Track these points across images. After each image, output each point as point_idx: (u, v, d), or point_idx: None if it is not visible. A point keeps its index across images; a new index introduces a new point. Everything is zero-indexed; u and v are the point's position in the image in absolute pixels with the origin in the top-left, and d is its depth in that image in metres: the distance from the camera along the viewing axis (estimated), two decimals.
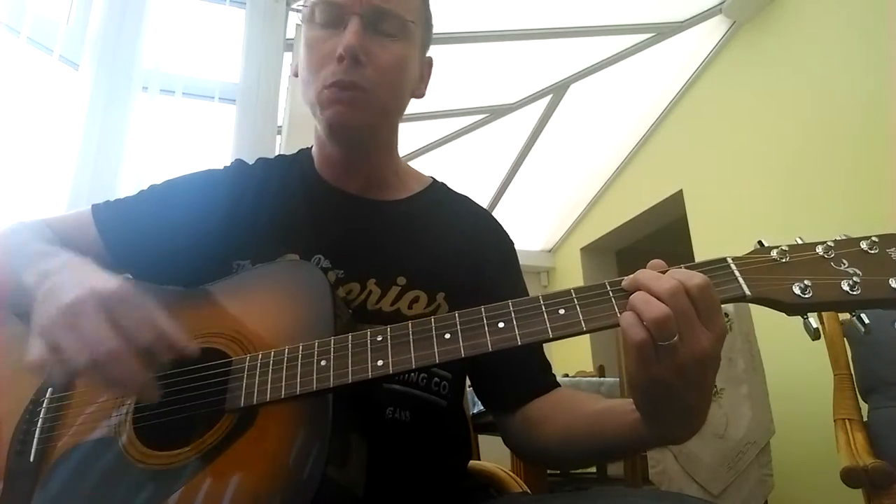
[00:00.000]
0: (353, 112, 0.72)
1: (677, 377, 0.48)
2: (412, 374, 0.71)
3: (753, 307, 2.22)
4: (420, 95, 0.84)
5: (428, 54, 0.85)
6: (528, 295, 0.61)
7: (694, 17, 3.00)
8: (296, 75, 0.81)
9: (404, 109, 0.82)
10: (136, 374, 0.53)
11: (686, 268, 0.52)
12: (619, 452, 0.69)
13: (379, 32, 0.73)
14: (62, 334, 0.53)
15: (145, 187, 0.82)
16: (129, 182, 1.95)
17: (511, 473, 0.89)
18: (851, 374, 1.79)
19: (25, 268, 0.63)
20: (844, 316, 1.85)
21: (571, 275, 4.53)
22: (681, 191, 3.41)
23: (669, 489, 1.76)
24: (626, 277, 0.52)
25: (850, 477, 1.46)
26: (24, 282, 0.62)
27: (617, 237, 4.19)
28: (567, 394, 0.76)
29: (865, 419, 1.72)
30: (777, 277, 0.51)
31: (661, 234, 3.86)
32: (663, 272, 0.51)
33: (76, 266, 0.61)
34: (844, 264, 0.50)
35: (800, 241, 0.53)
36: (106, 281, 0.56)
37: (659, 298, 0.48)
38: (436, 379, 0.74)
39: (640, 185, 3.81)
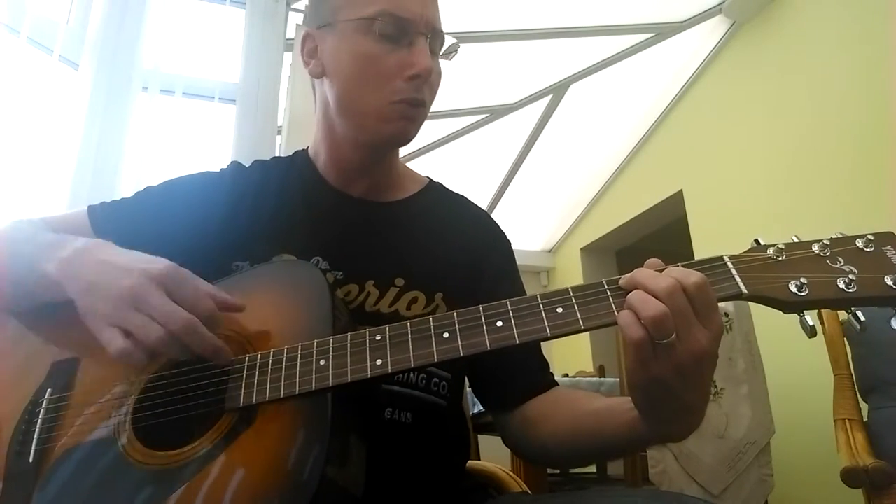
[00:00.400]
0: (414, 128, 0.75)
1: (676, 375, 0.49)
2: (412, 374, 0.72)
3: (753, 307, 2.22)
4: None
5: None
6: (525, 294, 0.62)
7: (694, 17, 3.00)
8: (319, 76, 0.79)
9: None
10: (213, 340, 0.57)
11: (683, 266, 0.52)
12: (617, 451, 0.69)
13: (433, 52, 0.75)
14: (133, 318, 0.56)
15: (142, 189, 0.82)
16: (129, 182, 1.96)
17: (511, 473, 0.89)
18: (851, 374, 1.79)
19: (42, 258, 0.64)
20: (845, 316, 1.85)
21: (571, 275, 4.53)
22: (681, 191, 3.41)
23: (669, 489, 1.76)
24: (623, 276, 0.52)
25: (851, 477, 1.46)
26: (44, 271, 0.63)
27: (617, 237, 4.19)
28: (565, 393, 0.76)
29: (865, 419, 1.72)
30: (773, 275, 0.51)
31: (662, 234, 3.86)
32: (660, 270, 0.51)
33: (102, 249, 0.63)
34: (840, 262, 0.51)
35: (796, 240, 0.53)
36: (150, 262, 0.59)
37: (656, 297, 0.48)
38: (435, 379, 0.74)
39: (640, 185, 3.81)
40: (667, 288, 0.48)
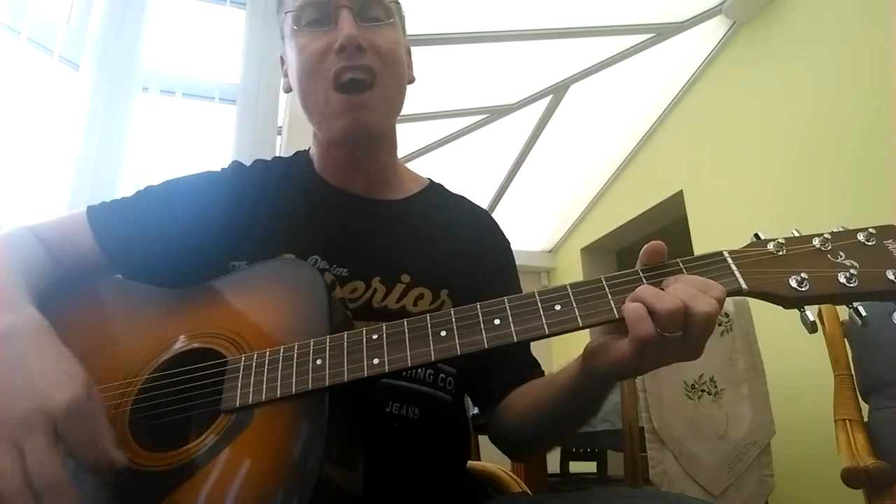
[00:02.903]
0: (369, 114, 0.73)
1: (660, 363, 0.50)
2: (419, 370, 0.72)
3: (753, 306, 2.22)
4: (412, 81, 0.84)
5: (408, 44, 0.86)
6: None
7: (694, 17, 3.00)
8: (287, 91, 0.81)
9: (405, 100, 0.82)
10: None
11: (682, 262, 0.52)
12: (567, 414, 0.67)
13: (368, 20, 0.73)
14: (3, 457, 0.48)
15: (142, 189, 0.82)
16: (130, 182, 1.95)
17: (511, 474, 0.89)
18: (852, 375, 1.78)
19: None
20: (845, 316, 1.86)
21: (572, 275, 4.52)
22: (681, 191, 3.41)
23: (670, 490, 1.75)
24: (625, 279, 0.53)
25: (851, 477, 1.46)
26: None
27: (617, 237, 4.19)
28: (532, 381, 0.76)
29: (866, 420, 1.72)
30: (773, 271, 0.51)
31: (662, 234, 3.83)
32: (663, 268, 0.51)
33: (17, 344, 0.55)
34: (841, 256, 0.50)
35: (796, 234, 0.52)
36: (56, 388, 0.51)
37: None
38: (442, 374, 0.74)
39: (641, 185, 3.80)
40: (673, 310, 0.49)
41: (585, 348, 0.56)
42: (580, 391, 0.60)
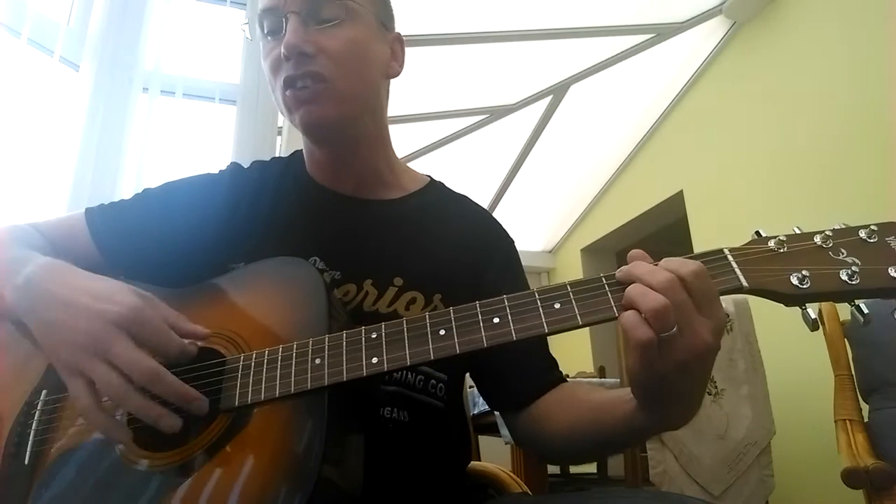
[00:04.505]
0: (318, 107, 0.71)
1: (677, 370, 0.48)
2: (409, 375, 0.71)
3: (754, 306, 2.21)
4: (395, 74, 0.82)
5: (397, 30, 0.83)
6: None
7: (694, 17, 3.00)
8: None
9: (380, 95, 0.80)
10: (181, 389, 0.54)
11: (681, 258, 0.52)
12: (619, 442, 0.67)
13: (321, 22, 0.72)
14: (97, 369, 0.52)
15: (140, 191, 0.82)
16: (130, 183, 1.95)
17: (511, 474, 0.89)
18: (852, 375, 1.78)
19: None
20: (845, 316, 1.86)
21: (572, 275, 4.48)
22: (681, 191, 3.41)
23: (670, 490, 1.75)
24: (620, 269, 0.52)
25: (851, 478, 1.46)
26: (1, 295, 0.60)
27: (617, 238, 4.19)
28: (569, 388, 0.75)
29: (866, 420, 1.71)
30: (775, 268, 0.50)
31: (662, 234, 3.86)
32: (655, 264, 0.50)
33: (57, 276, 0.59)
34: (843, 253, 0.50)
35: (797, 231, 0.52)
36: (109, 299, 0.55)
37: (655, 290, 0.47)
38: (432, 381, 0.73)
39: (641, 185, 3.81)
40: (664, 281, 0.47)
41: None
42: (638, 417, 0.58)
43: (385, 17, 0.80)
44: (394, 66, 0.81)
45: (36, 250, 0.67)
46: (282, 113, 0.77)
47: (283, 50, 0.69)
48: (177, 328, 0.57)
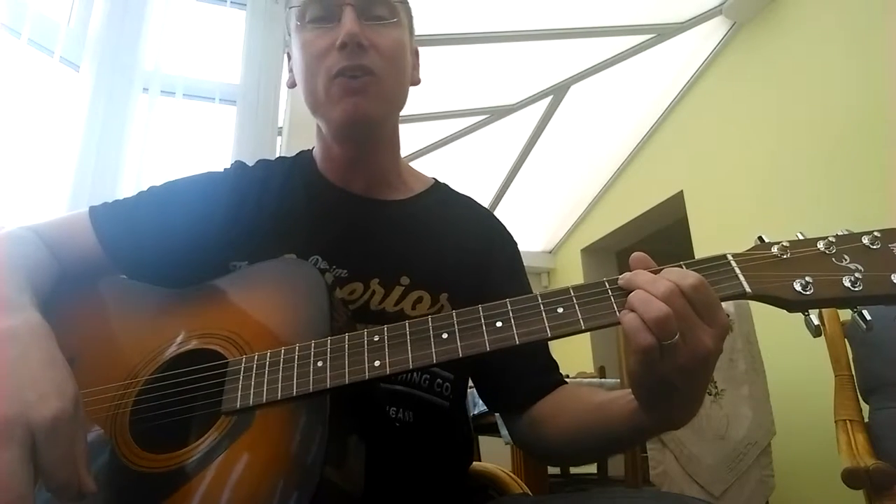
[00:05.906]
0: (366, 101, 0.72)
1: (679, 374, 0.48)
2: (415, 374, 0.71)
3: (754, 307, 2.20)
4: (417, 82, 0.84)
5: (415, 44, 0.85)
6: None
7: (694, 17, 3.00)
8: (292, 86, 0.81)
9: (406, 100, 0.81)
10: None
11: (686, 265, 0.52)
12: (621, 443, 0.67)
13: (372, 18, 0.73)
14: None
15: (144, 189, 0.81)
16: (130, 183, 1.96)
17: (511, 475, 0.89)
18: (852, 375, 1.78)
19: None
20: (845, 316, 1.86)
21: (572, 276, 4.53)
22: (681, 192, 3.41)
23: (670, 490, 1.75)
24: (622, 276, 0.52)
25: (852, 478, 1.46)
26: None
27: (617, 238, 4.19)
28: (570, 390, 0.75)
29: (867, 420, 1.72)
30: (778, 274, 0.50)
31: (662, 235, 3.86)
32: (655, 271, 0.50)
33: (13, 346, 0.53)
34: (846, 260, 0.50)
35: (800, 237, 0.52)
36: (41, 399, 0.49)
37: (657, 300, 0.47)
38: (438, 380, 0.73)
39: (641, 186, 3.81)
40: (665, 292, 0.47)
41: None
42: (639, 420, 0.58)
43: (412, 28, 0.83)
44: (415, 74, 0.84)
45: (34, 271, 0.64)
46: (309, 106, 0.76)
47: (342, 37, 0.69)
48: (76, 463, 0.50)
